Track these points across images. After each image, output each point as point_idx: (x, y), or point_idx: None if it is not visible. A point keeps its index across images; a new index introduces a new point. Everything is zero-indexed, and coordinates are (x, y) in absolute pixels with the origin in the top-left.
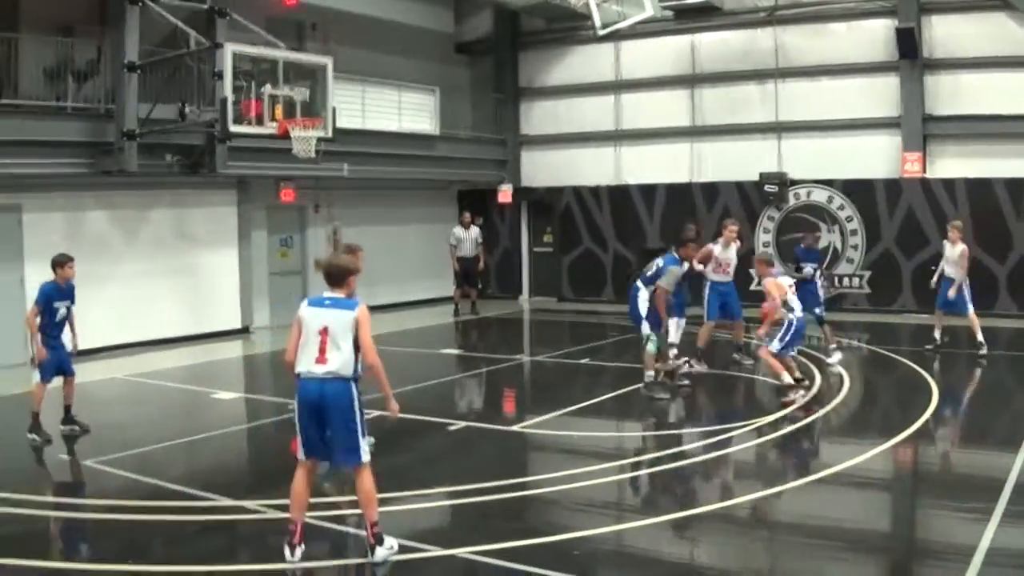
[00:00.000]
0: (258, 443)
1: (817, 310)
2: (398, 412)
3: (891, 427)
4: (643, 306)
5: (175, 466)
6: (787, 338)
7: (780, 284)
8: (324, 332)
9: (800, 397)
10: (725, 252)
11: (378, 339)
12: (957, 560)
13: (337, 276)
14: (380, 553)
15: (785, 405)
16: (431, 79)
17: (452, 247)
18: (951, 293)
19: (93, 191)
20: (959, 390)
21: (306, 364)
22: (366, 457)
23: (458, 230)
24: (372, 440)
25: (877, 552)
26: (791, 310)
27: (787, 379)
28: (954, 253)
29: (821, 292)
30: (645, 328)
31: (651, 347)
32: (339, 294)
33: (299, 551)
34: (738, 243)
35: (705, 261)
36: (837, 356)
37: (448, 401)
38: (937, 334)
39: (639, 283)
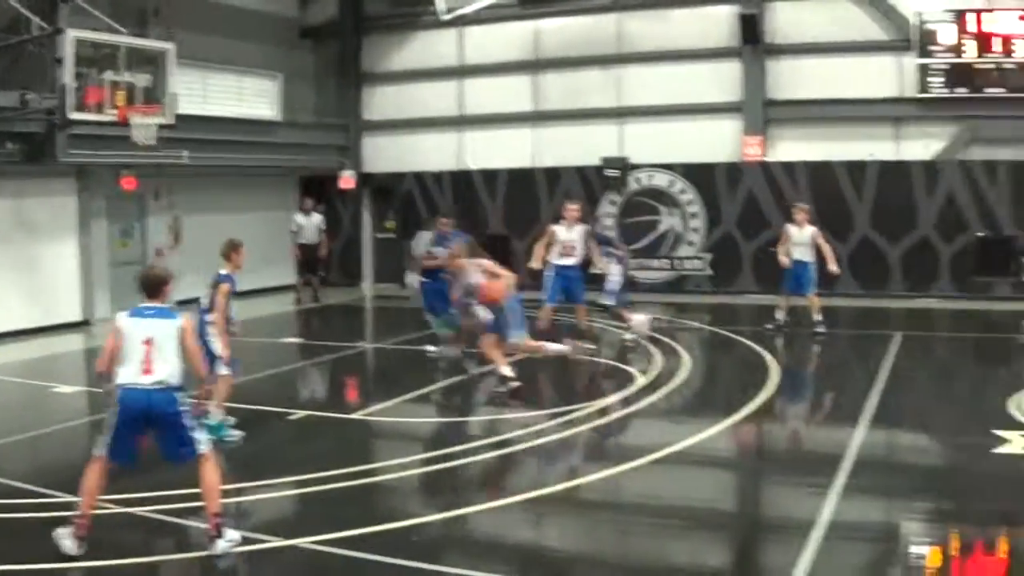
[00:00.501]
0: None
1: (606, 299)
2: None
3: (731, 406)
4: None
5: (16, 462)
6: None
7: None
8: (149, 343)
9: (509, 390)
10: (568, 234)
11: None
12: (797, 534)
13: (153, 287)
14: (220, 546)
15: (499, 395)
16: (275, 64)
17: (293, 234)
18: (834, 268)
19: None
20: (798, 369)
21: (131, 375)
22: (203, 448)
23: (299, 217)
24: (241, 434)
25: (719, 529)
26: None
27: (506, 371)
28: (804, 236)
29: (614, 278)
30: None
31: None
32: (157, 304)
33: (82, 546)
34: (583, 225)
35: (550, 243)
36: (633, 335)
37: (289, 390)
38: (780, 315)
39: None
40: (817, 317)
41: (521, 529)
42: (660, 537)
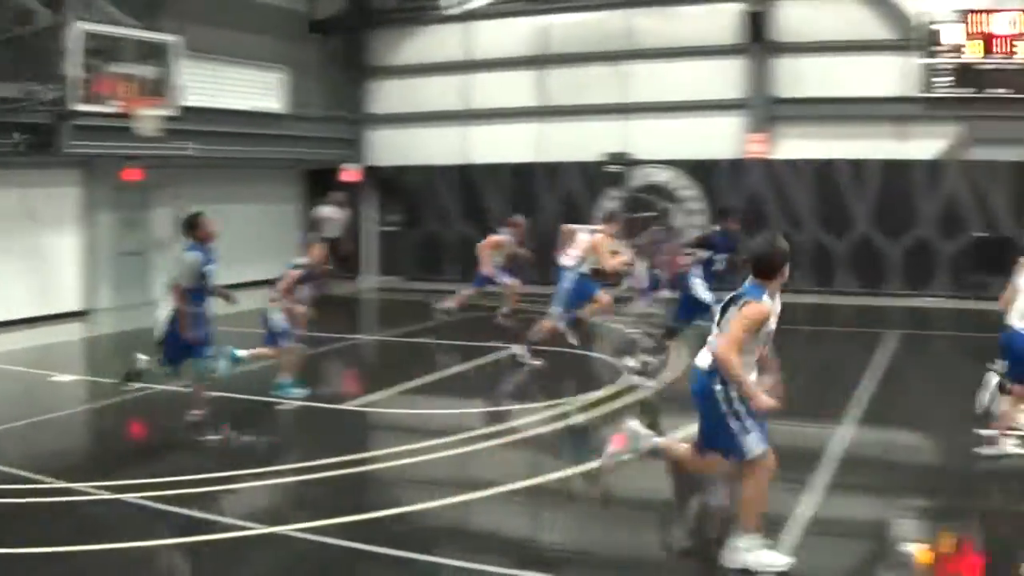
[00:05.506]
0: (96, 425)
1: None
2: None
3: None
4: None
5: (11, 449)
6: None
7: None
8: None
9: None
10: None
11: (237, 318)
12: (777, 530)
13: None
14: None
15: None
16: (283, 57)
17: (319, 224)
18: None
19: None
20: (789, 365)
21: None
22: (750, 453)
23: (327, 209)
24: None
25: (702, 521)
26: None
27: None
28: None
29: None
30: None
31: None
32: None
33: None
34: None
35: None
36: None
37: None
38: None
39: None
40: None
41: (513, 520)
42: (647, 529)
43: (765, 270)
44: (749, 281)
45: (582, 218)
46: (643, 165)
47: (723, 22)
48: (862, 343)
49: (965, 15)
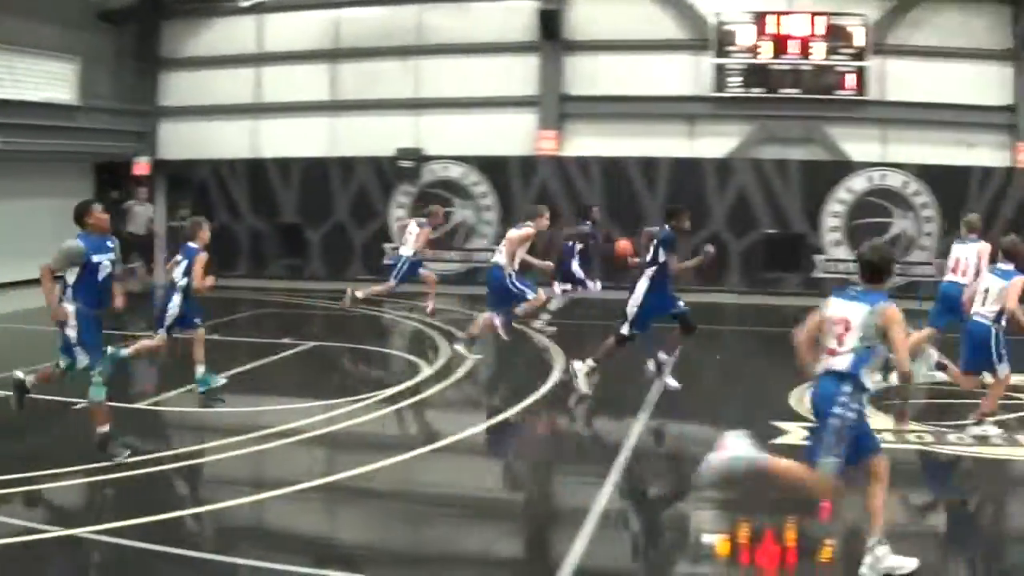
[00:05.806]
0: None
1: None
2: None
3: (515, 396)
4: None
5: None
6: None
7: None
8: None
9: None
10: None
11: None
12: (572, 523)
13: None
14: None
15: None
16: (74, 48)
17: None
18: None
19: None
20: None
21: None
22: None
23: (133, 204)
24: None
25: (499, 518)
26: None
27: None
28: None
29: None
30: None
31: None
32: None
33: None
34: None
35: None
36: None
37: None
38: None
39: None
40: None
41: (310, 517)
42: (442, 526)
43: (879, 275)
44: (865, 288)
45: (374, 213)
46: (435, 161)
47: (516, 19)
48: (655, 338)
49: (760, 16)
